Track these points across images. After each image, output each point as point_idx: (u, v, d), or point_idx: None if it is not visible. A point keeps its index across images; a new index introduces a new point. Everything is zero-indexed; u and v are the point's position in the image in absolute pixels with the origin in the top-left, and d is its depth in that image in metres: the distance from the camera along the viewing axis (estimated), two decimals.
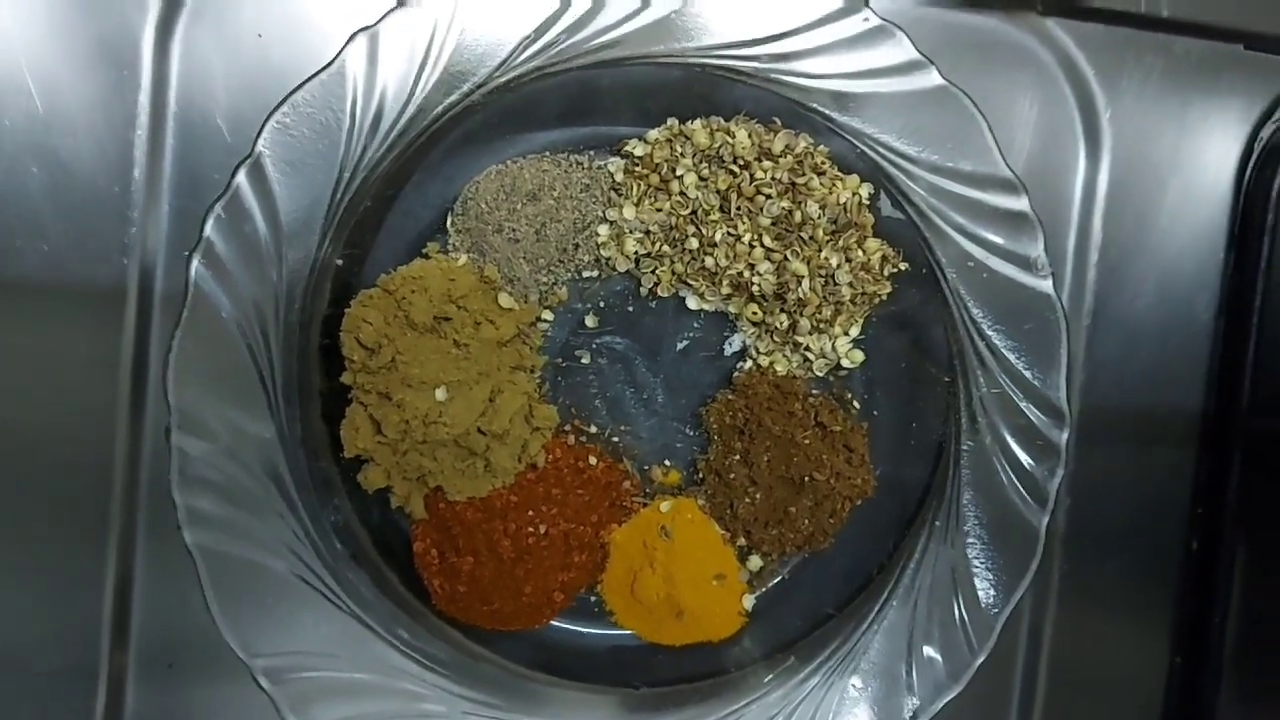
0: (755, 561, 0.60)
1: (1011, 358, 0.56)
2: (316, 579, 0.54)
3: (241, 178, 0.50)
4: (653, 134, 0.57)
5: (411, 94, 0.52)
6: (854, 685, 0.57)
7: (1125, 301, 0.63)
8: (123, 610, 0.57)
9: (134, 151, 0.56)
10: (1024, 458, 0.57)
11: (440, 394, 0.54)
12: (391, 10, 0.51)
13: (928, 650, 0.57)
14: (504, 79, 0.53)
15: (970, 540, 0.57)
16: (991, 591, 0.57)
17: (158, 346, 0.56)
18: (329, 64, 0.50)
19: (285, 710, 0.51)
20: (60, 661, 0.57)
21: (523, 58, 0.52)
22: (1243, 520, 0.62)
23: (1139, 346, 0.63)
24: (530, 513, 0.57)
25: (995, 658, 0.60)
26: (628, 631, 0.60)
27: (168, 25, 0.56)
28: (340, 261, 0.55)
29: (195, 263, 0.50)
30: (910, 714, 0.56)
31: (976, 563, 0.57)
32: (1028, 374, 0.56)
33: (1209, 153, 0.63)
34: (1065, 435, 0.56)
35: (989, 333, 0.57)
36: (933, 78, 0.54)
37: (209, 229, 0.50)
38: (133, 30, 0.55)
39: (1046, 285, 0.56)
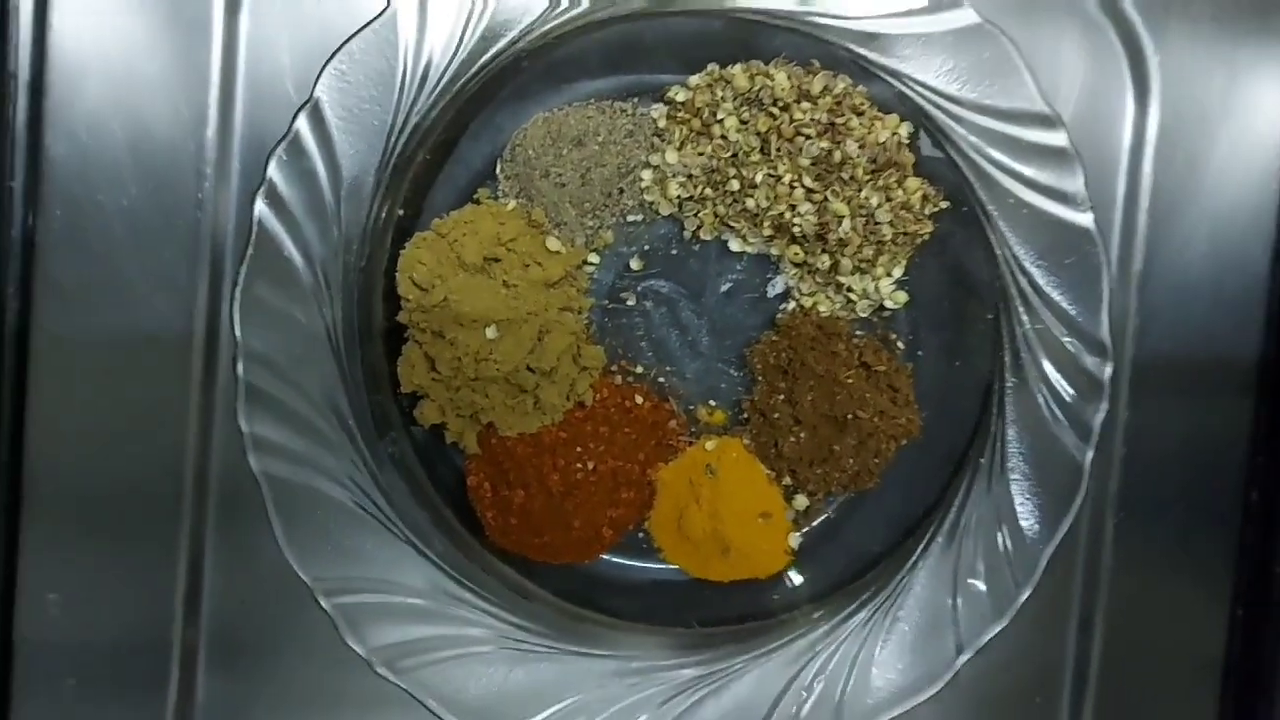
0: (801, 500, 0.61)
1: (1054, 294, 0.57)
2: (374, 507, 0.56)
3: (302, 121, 0.53)
4: (694, 79, 0.58)
5: (460, 42, 0.54)
6: (900, 620, 0.58)
7: (1177, 249, 0.61)
8: (194, 591, 0.59)
9: (207, 111, 0.58)
10: (1067, 392, 0.57)
11: (491, 332, 0.56)
12: None
13: (973, 584, 0.57)
14: (546, 28, 0.55)
15: (1015, 477, 0.58)
16: (1036, 526, 0.57)
17: (230, 294, 0.58)
18: (382, 12, 0.53)
19: (343, 629, 0.53)
20: (136, 639, 0.59)
21: (563, 5, 0.54)
22: None
23: (1192, 294, 0.62)
24: (579, 449, 0.58)
25: (1050, 610, 0.61)
26: (675, 567, 0.61)
27: None
28: (401, 211, 0.58)
29: (259, 202, 0.53)
30: (955, 646, 0.56)
31: (1021, 499, 0.57)
32: (1070, 310, 0.57)
33: (1261, 96, 0.61)
34: (1109, 369, 0.56)
35: (1031, 269, 0.57)
36: (967, 15, 0.55)
37: (271, 169, 0.53)
38: None
39: (1087, 220, 0.56)
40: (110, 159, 0.57)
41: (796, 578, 0.61)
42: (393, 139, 0.55)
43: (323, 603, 0.53)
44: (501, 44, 0.55)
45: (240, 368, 0.53)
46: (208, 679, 0.59)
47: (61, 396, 0.57)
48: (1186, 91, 0.61)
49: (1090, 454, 0.56)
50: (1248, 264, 0.62)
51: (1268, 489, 0.62)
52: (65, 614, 0.58)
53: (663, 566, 0.61)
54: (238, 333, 0.53)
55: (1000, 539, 0.57)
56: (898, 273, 0.59)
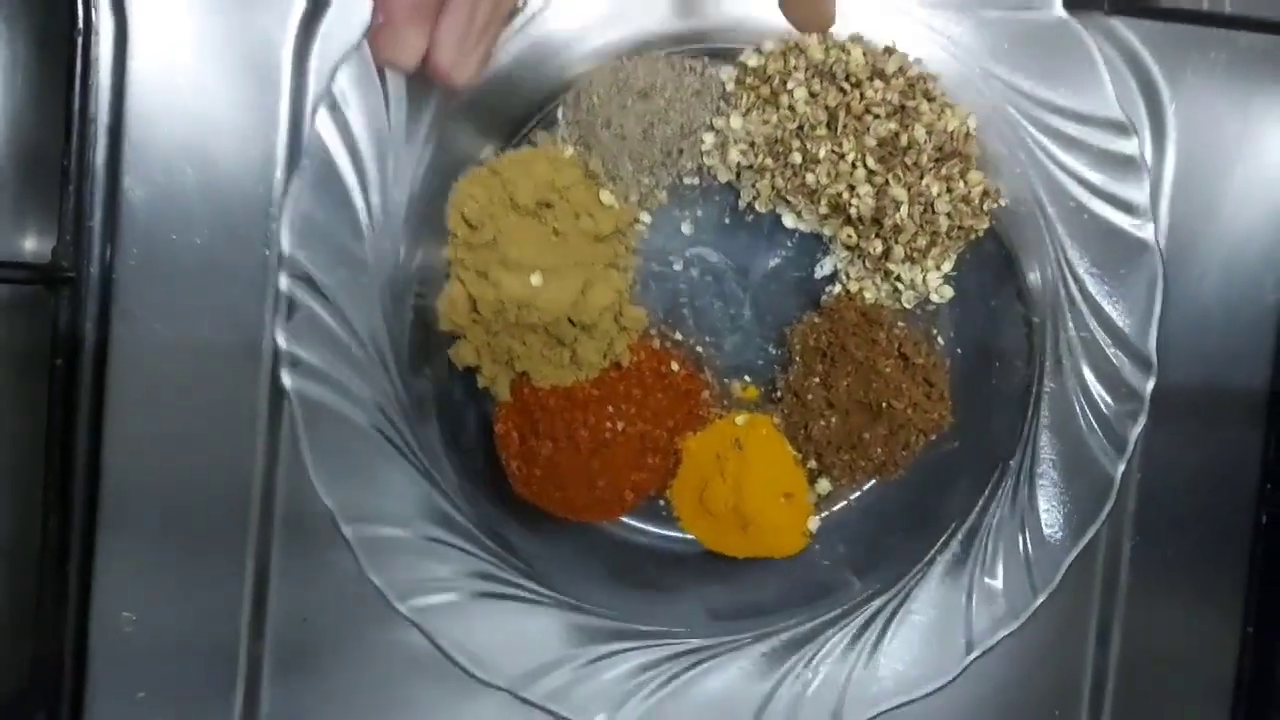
0: (824, 485, 0.60)
1: (1105, 304, 0.56)
2: (399, 437, 0.55)
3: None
4: (768, 45, 0.57)
5: None
6: (912, 613, 0.57)
7: (1192, 281, 0.64)
8: (259, 603, 0.60)
9: (275, 153, 0.59)
10: (1106, 402, 0.56)
11: (535, 279, 0.55)
12: None
13: (990, 583, 0.57)
14: None
15: (1043, 483, 0.57)
16: (1060, 533, 0.57)
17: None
18: None
19: (364, 562, 0.53)
20: (203, 650, 0.60)
21: None
22: None
23: (1207, 325, 0.64)
24: (610, 409, 0.58)
25: (1068, 625, 0.63)
26: (691, 537, 0.61)
27: (307, 37, 0.59)
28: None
29: (321, 110, 0.52)
30: (965, 644, 0.56)
31: (1048, 505, 0.57)
32: (1120, 321, 0.56)
33: (1273, 141, 0.63)
34: (1150, 383, 0.56)
35: (1084, 276, 0.56)
36: (1055, 10, 0.54)
37: (340, 79, 0.52)
38: (274, 45, 0.59)
39: (1147, 232, 0.55)
40: (184, 199, 0.59)
41: (811, 561, 0.60)
42: None
43: (344, 529, 0.53)
44: None
45: (283, 282, 0.52)
46: (272, 690, 0.60)
47: (136, 419, 0.59)
48: (1202, 137, 0.63)
49: (1122, 466, 0.56)
50: (1259, 299, 0.64)
51: (1277, 513, 0.65)
52: (138, 629, 0.60)
53: (679, 535, 0.61)
54: (284, 245, 0.52)
55: (1022, 541, 0.57)
56: (947, 267, 0.59)
